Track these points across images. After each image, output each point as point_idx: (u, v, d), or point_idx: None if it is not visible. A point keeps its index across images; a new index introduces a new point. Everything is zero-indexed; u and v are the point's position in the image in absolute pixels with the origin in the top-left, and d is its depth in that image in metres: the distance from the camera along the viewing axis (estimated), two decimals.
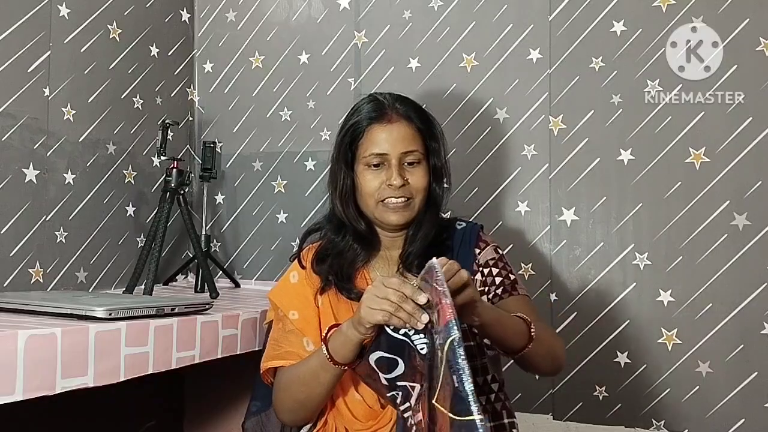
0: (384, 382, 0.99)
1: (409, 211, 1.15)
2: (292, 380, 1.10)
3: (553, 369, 1.17)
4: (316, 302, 1.18)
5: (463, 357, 0.79)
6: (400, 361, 0.96)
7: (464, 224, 1.24)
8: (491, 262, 1.19)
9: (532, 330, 1.04)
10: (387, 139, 1.13)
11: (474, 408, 0.77)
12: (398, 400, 0.99)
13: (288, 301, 1.19)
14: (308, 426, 1.18)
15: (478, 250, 1.20)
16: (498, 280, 1.17)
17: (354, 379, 1.11)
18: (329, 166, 1.22)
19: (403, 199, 1.13)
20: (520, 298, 1.17)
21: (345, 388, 1.12)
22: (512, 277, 1.19)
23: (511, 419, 1.14)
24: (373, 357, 0.97)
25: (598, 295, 1.59)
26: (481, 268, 1.18)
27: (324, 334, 1.04)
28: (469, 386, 0.78)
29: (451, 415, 0.80)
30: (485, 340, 1.14)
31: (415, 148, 1.14)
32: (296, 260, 1.23)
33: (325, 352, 1.01)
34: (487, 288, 1.17)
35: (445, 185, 1.20)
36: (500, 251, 1.22)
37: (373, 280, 1.17)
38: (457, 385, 0.78)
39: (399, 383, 0.98)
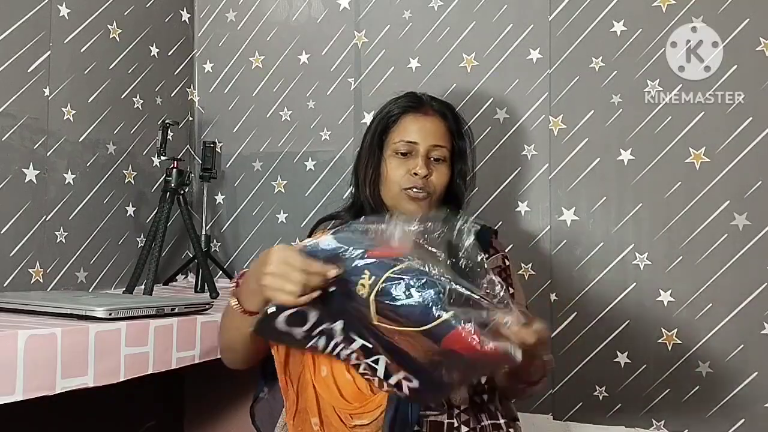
0: (299, 337, 0.96)
1: (427, 206, 1.17)
2: (221, 321, 1.12)
3: (525, 396, 1.22)
4: None
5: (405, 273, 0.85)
6: (310, 313, 0.93)
7: (478, 227, 1.24)
8: (495, 271, 1.19)
9: (545, 375, 1.05)
10: (419, 130, 1.17)
11: (438, 312, 0.82)
12: (321, 345, 0.96)
13: None
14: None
15: (486, 255, 1.20)
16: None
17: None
18: (357, 155, 1.26)
19: (424, 192, 1.16)
20: None
21: (336, 366, 1.12)
22: (511, 290, 1.20)
23: (508, 420, 1.14)
24: (281, 318, 0.93)
25: (598, 295, 1.59)
26: None
27: (236, 279, 1.05)
28: (428, 294, 0.83)
29: (414, 329, 0.84)
30: None
31: (444, 145, 1.18)
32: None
33: (235, 300, 1.01)
34: None
35: (468, 188, 1.25)
36: (508, 261, 1.23)
37: None
38: (413, 295, 0.84)
39: (314, 331, 0.95)
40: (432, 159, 1.17)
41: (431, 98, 1.23)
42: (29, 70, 1.53)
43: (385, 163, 1.19)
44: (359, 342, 0.93)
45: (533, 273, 1.64)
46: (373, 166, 1.20)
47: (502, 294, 0.87)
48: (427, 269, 0.88)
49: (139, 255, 1.68)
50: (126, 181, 1.83)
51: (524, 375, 1.02)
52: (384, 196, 1.20)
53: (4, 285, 1.47)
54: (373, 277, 0.87)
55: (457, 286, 0.85)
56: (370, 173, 1.20)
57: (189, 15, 2.07)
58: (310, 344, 0.96)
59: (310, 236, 1.24)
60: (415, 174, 1.15)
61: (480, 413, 1.12)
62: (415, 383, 0.93)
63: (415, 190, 1.15)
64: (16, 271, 1.50)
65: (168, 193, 1.72)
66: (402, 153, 1.17)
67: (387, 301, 0.87)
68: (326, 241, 0.94)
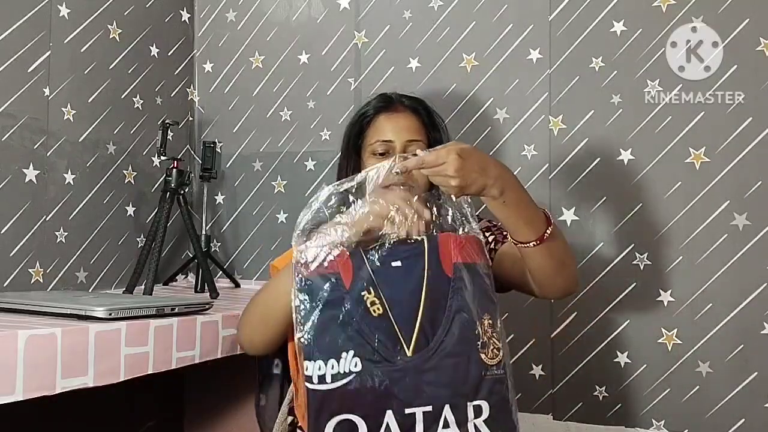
0: None
1: None
2: (258, 294, 1.12)
3: (565, 282, 1.07)
4: None
5: None
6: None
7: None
8: (485, 230, 1.23)
9: (551, 223, 1.00)
10: (393, 128, 1.19)
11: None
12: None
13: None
14: (287, 402, 1.18)
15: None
16: (491, 237, 1.21)
17: None
18: (338, 157, 1.28)
19: (406, 187, 1.14)
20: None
21: None
22: (505, 232, 1.20)
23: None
24: None
25: (598, 295, 1.59)
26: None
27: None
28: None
29: None
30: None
31: (419, 139, 1.19)
32: None
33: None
34: (489, 246, 1.21)
35: None
36: (494, 222, 1.24)
37: None
38: None
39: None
40: (410, 155, 1.17)
41: (401, 96, 1.25)
42: (29, 70, 1.53)
43: (364, 165, 1.20)
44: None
45: None
46: (352, 169, 1.22)
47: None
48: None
49: (139, 255, 1.68)
50: (126, 181, 1.83)
51: (516, 232, 1.00)
52: None
53: (4, 285, 1.47)
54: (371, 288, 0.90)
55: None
56: (347, 174, 1.21)
57: (189, 15, 2.07)
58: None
59: None
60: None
61: None
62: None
63: (394, 187, 1.14)
64: (16, 271, 1.50)
65: (168, 193, 1.72)
66: (380, 153, 1.19)
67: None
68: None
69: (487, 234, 1.22)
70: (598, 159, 1.60)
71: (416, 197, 0.96)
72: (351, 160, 1.23)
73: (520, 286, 1.14)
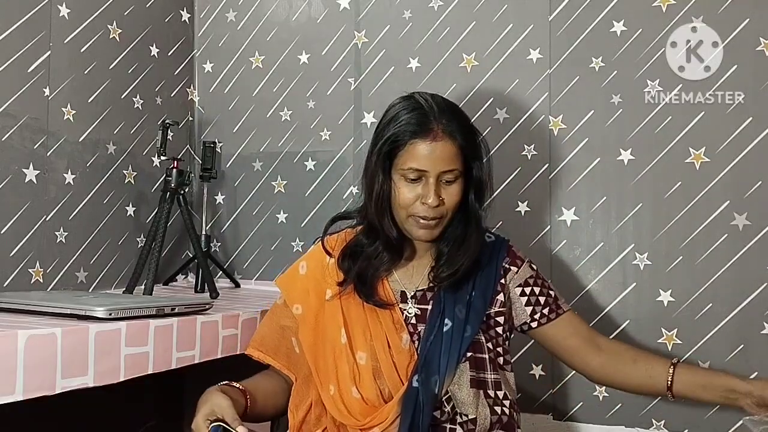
0: None
1: (438, 229, 1.13)
2: None
3: None
4: (324, 296, 1.18)
5: None
6: None
7: (493, 237, 1.23)
8: (531, 281, 1.20)
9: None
10: (429, 157, 1.08)
11: None
12: None
13: (294, 295, 1.21)
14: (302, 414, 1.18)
15: (515, 268, 1.20)
16: (542, 299, 1.20)
17: (354, 377, 1.11)
18: (365, 167, 1.16)
19: (435, 220, 1.11)
20: (568, 316, 1.21)
21: (342, 386, 1.11)
22: (552, 293, 1.21)
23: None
24: None
25: (598, 295, 1.59)
26: (521, 288, 1.20)
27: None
28: None
29: None
30: (499, 359, 1.15)
31: (455, 167, 1.10)
32: (316, 246, 1.24)
33: None
34: (531, 308, 1.19)
35: (486, 201, 1.17)
36: (534, 266, 1.23)
37: (391, 284, 1.18)
38: None
39: None
40: (443, 182, 1.10)
41: (441, 113, 1.09)
42: (29, 70, 1.53)
43: (395, 186, 1.11)
44: None
45: None
46: (382, 186, 1.12)
47: None
48: None
49: (139, 255, 1.68)
50: (126, 181, 1.83)
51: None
52: (395, 216, 1.14)
53: (4, 285, 1.47)
54: None
55: None
56: (378, 192, 1.12)
57: (189, 15, 2.07)
58: None
59: (324, 234, 1.24)
60: (425, 203, 1.09)
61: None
62: None
63: (424, 220, 1.10)
64: (16, 271, 1.50)
65: (168, 193, 1.72)
66: (411, 179, 1.09)
67: None
68: None
69: (535, 290, 1.21)
70: (598, 159, 1.61)
71: None
72: (380, 176, 1.11)
73: (553, 351, 1.25)
